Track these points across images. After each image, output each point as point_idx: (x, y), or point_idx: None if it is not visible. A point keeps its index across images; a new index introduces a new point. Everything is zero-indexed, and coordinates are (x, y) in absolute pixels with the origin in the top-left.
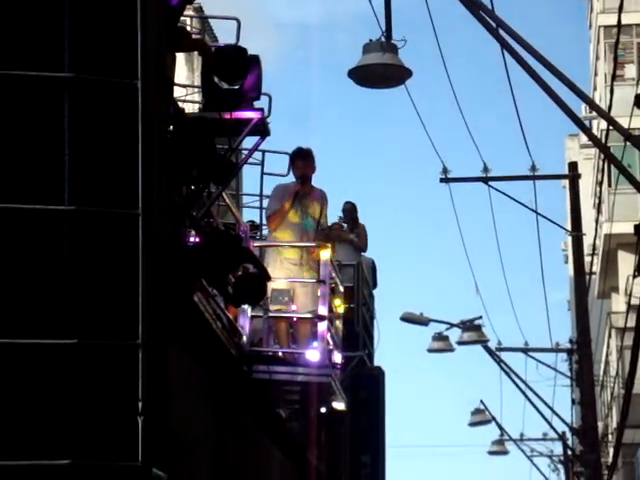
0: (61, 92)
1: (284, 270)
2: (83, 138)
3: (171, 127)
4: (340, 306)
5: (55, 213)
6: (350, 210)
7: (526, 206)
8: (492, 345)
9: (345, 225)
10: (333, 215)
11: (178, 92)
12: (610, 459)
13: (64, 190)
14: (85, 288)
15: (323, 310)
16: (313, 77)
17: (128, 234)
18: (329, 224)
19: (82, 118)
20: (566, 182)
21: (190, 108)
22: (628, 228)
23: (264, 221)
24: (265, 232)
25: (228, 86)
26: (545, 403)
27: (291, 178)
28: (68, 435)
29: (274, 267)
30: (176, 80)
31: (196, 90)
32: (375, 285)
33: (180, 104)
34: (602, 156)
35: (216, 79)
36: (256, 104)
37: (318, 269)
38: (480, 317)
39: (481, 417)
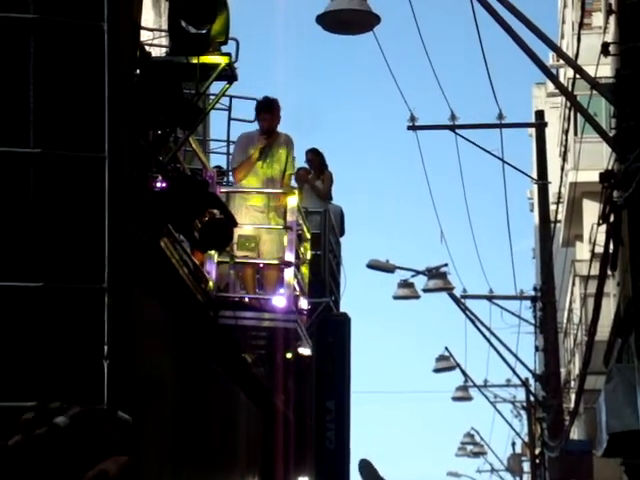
0: (27, 34)
1: (250, 217)
2: (49, 81)
3: (138, 71)
4: (307, 253)
5: (21, 156)
6: (312, 159)
7: (493, 154)
8: (457, 293)
9: (311, 172)
10: (301, 162)
11: (145, 36)
12: (572, 405)
13: (29, 133)
14: (51, 232)
15: (290, 256)
16: (279, 23)
17: (94, 178)
18: (295, 169)
19: (48, 60)
20: (533, 130)
21: (157, 53)
22: (593, 176)
23: (231, 167)
24: (232, 178)
25: (195, 30)
26: (509, 350)
27: (257, 125)
28: (34, 378)
29: (240, 213)
30: (143, 24)
31: (163, 34)
32: (342, 233)
33: (147, 48)
34: (569, 104)
35: (183, 23)
36: (224, 49)
37: (285, 216)
38: (446, 265)
39: (445, 363)
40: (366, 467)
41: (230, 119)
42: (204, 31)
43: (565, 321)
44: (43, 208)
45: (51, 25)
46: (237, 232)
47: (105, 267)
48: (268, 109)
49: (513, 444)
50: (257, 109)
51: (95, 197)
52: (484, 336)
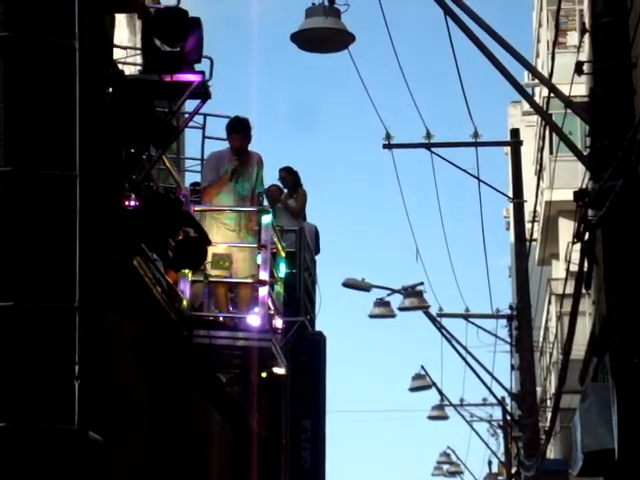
0: None
1: (222, 235)
2: (20, 99)
3: (110, 89)
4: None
5: None
6: (285, 177)
7: (468, 172)
8: (433, 311)
9: (285, 190)
10: (273, 181)
11: (119, 54)
12: (548, 424)
13: (0, 151)
14: (22, 250)
15: (264, 275)
16: (253, 41)
17: (65, 196)
18: (265, 187)
19: (18, 78)
20: (508, 149)
21: (132, 71)
22: (568, 195)
23: (201, 186)
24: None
25: (169, 48)
26: (485, 369)
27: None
28: (4, 398)
29: (212, 232)
30: (119, 42)
31: (137, 52)
32: (318, 251)
33: (121, 66)
34: (544, 123)
35: (157, 41)
36: (198, 67)
37: (257, 234)
38: (421, 283)
39: (421, 382)
40: None
41: (204, 137)
42: (177, 49)
43: (541, 340)
44: (14, 226)
45: (22, 43)
46: (211, 251)
47: (76, 286)
48: (238, 129)
49: (489, 463)
50: (228, 129)
51: (66, 215)
52: (460, 355)
